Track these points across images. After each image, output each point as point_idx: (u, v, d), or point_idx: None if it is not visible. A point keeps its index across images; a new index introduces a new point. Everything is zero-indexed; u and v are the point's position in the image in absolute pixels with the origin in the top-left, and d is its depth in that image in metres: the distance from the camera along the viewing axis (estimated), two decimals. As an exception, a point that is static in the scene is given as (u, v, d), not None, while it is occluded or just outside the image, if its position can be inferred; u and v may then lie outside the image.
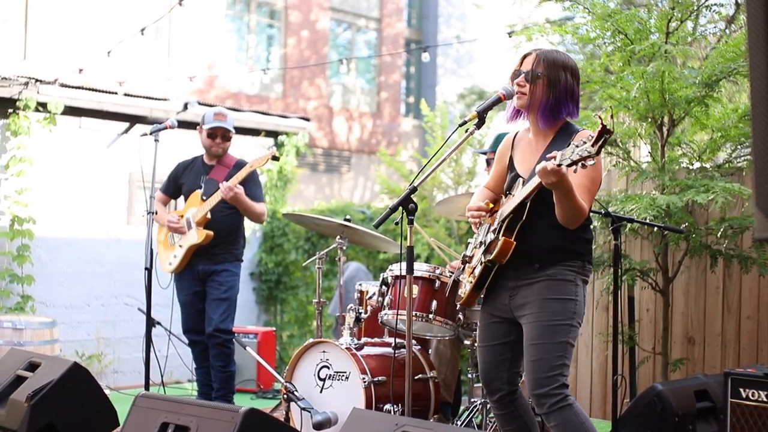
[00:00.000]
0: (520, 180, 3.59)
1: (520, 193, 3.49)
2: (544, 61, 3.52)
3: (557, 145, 3.45)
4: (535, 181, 3.31)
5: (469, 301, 3.73)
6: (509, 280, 3.58)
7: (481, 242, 3.71)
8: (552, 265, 3.49)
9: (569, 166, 3.05)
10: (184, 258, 5.91)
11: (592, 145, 2.97)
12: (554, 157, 3.12)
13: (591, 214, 3.63)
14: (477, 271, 3.64)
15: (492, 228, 3.64)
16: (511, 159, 3.73)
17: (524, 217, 3.48)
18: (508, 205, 3.56)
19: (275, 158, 5.75)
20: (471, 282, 3.68)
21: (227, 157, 6.06)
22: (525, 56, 3.60)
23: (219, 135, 5.96)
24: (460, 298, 3.80)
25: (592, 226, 3.73)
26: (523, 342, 3.54)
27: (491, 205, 3.73)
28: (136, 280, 7.91)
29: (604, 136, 2.95)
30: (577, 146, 3.03)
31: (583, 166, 3.03)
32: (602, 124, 2.95)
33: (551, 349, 3.43)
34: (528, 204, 3.46)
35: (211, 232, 5.83)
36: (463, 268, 3.85)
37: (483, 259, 3.60)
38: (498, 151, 3.85)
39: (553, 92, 3.50)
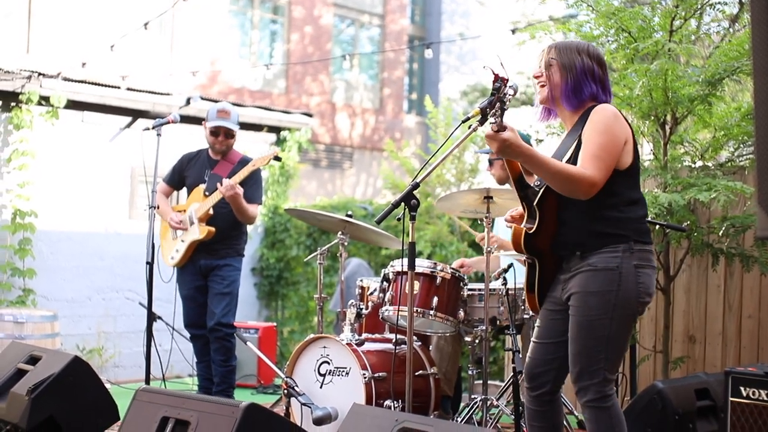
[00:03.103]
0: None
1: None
2: (555, 49, 3.53)
3: (576, 129, 3.44)
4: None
5: (532, 305, 3.64)
6: (562, 273, 3.52)
7: None
8: (592, 252, 3.39)
9: (493, 124, 3.18)
10: (186, 253, 5.91)
11: (492, 95, 3.13)
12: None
13: None
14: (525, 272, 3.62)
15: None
16: None
17: (535, 202, 3.44)
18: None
19: (277, 158, 5.75)
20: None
21: (232, 153, 6.07)
22: (543, 51, 3.60)
23: (222, 133, 5.96)
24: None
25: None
26: None
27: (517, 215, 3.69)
28: (137, 274, 7.90)
29: (497, 83, 3.14)
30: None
31: (501, 116, 3.18)
32: (494, 73, 3.12)
33: (590, 345, 3.38)
34: (540, 192, 3.43)
35: (213, 228, 5.83)
36: None
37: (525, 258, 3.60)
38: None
39: (570, 74, 3.48)
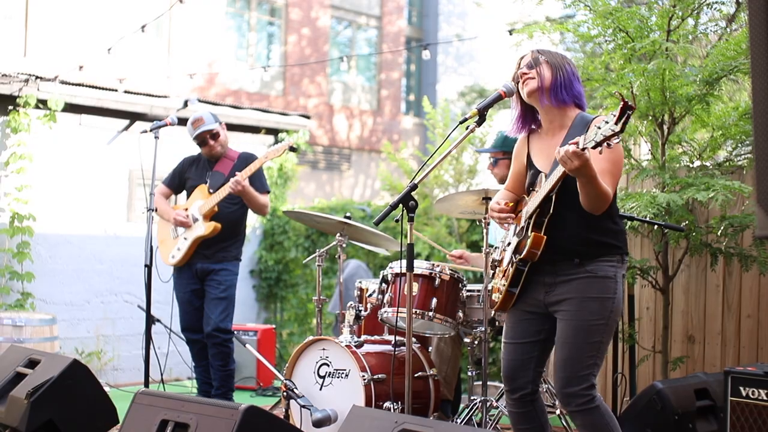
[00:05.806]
0: (542, 175, 3.52)
1: (544, 186, 3.42)
2: (540, 51, 3.58)
3: (575, 134, 3.41)
4: (559, 171, 3.26)
5: (505, 305, 3.62)
6: (546, 276, 3.50)
7: (508, 243, 3.67)
8: (591, 260, 3.43)
9: (594, 147, 3.01)
10: (188, 251, 5.90)
11: (616, 123, 2.94)
12: (576, 143, 3.09)
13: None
14: (509, 273, 3.56)
15: (519, 228, 3.59)
16: (528, 156, 3.67)
17: (551, 210, 3.41)
18: (533, 201, 3.49)
19: (293, 149, 5.76)
20: (504, 285, 3.59)
21: (230, 151, 6.08)
22: (521, 57, 3.63)
23: (207, 138, 5.96)
24: (494, 303, 3.68)
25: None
26: (553, 339, 3.52)
27: (511, 204, 3.67)
28: (135, 277, 7.92)
29: (627, 112, 2.92)
30: (599, 127, 3.00)
31: (608, 146, 2.99)
32: (623, 100, 2.92)
33: (584, 349, 3.40)
34: (553, 197, 3.40)
35: (218, 225, 5.82)
36: (494, 273, 3.80)
37: (514, 260, 3.53)
38: (514, 151, 3.78)
39: (560, 72, 3.52)
